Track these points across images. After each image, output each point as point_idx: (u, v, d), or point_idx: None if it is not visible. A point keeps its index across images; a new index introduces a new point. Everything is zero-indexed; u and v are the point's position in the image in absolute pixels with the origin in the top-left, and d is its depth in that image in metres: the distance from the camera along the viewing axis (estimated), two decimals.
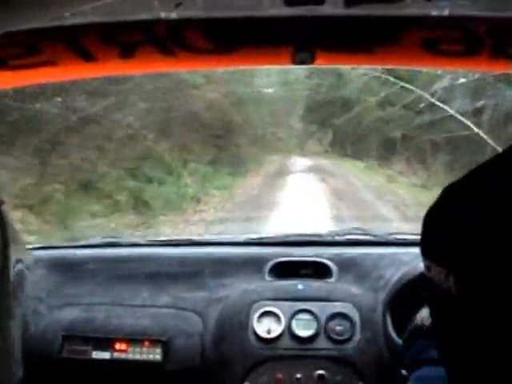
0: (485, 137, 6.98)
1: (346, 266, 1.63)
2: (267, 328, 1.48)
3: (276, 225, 6.05)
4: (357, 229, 1.92)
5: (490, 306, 0.47)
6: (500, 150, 0.55)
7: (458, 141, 8.63)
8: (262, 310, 1.51)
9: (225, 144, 10.84)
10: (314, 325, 1.48)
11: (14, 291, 1.37)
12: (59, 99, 6.61)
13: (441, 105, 7.92)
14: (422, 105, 8.95)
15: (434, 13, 0.79)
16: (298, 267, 1.65)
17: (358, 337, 1.46)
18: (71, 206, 6.36)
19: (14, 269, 1.39)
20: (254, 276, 1.64)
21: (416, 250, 0.57)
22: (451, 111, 7.62)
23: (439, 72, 7.71)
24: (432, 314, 0.59)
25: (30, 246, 1.91)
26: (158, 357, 1.50)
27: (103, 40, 0.86)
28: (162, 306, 1.59)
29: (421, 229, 0.56)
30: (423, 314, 0.85)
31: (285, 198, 8.77)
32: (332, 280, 1.61)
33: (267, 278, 1.64)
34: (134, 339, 1.52)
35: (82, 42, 0.86)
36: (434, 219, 0.55)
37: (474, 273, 0.48)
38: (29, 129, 6.33)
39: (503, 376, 0.48)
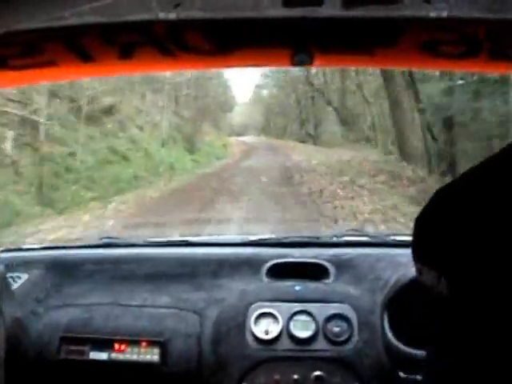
0: None
1: (344, 267, 1.64)
2: (265, 329, 1.48)
3: None
4: (354, 230, 1.92)
5: (482, 309, 0.47)
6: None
7: None
8: (259, 311, 1.51)
9: None
10: (312, 326, 1.48)
11: None
12: None
13: None
14: None
15: (433, 14, 0.79)
16: (295, 268, 1.65)
17: (355, 338, 1.46)
18: None
19: None
20: (251, 277, 1.64)
21: None
22: None
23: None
24: (425, 317, 0.59)
25: (28, 247, 1.91)
26: (156, 357, 1.49)
27: (102, 40, 0.86)
28: (160, 306, 1.59)
29: (412, 232, 0.56)
30: None
31: None
32: (330, 281, 1.61)
33: (265, 279, 1.64)
34: (132, 340, 1.51)
35: (81, 42, 0.86)
36: (425, 222, 0.55)
37: (465, 276, 0.48)
38: None
39: (497, 377, 0.48)
